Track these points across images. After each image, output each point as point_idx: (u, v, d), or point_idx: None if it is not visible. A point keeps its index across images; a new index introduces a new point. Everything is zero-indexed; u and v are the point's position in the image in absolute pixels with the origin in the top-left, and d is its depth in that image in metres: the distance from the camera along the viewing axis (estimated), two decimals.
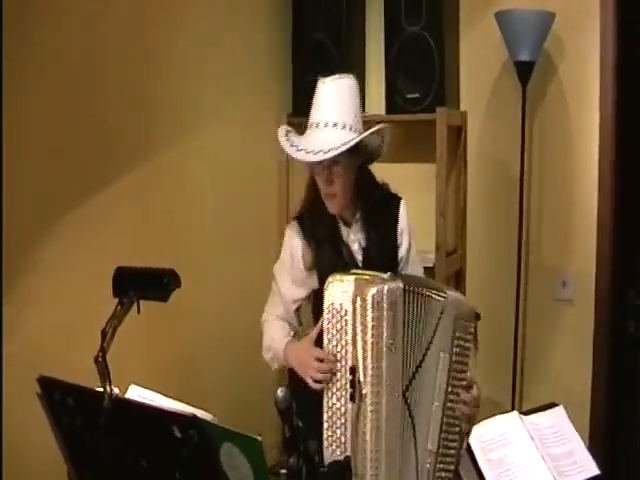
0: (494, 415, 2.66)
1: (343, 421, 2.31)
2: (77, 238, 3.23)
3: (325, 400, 2.36)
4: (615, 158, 3.63)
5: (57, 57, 3.13)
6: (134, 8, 3.46)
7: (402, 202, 2.87)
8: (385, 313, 2.25)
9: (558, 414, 2.89)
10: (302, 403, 2.05)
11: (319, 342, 2.43)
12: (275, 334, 2.83)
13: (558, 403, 2.95)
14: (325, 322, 2.36)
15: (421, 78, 3.91)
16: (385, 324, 2.25)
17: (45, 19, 3.08)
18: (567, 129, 3.80)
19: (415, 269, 2.89)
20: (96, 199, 3.30)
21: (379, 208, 2.81)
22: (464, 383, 2.38)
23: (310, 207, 2.83)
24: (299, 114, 4.32)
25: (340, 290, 2.31)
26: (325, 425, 2.34)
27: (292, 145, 2.67)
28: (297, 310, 2.91)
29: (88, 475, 2.04)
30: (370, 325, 2.24)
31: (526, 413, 2.86)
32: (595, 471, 2.76)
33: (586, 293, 3.73)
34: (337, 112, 2.65)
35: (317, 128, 2.66)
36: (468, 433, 2.45)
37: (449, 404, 2.36)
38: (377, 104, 4.19)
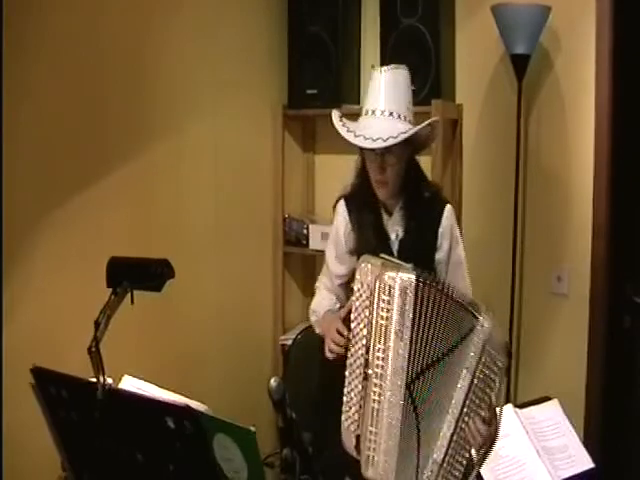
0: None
1: (358, 399, 2.38)
2: (72, 230, 3.22)
3: (346, 375, 2.42)
4: (611, 152, 3.62)
5: (56, 52, 3.13)
6: (131, 3, 3.45)
7: (448, 207, 2.89)
8: (396, 299, 2.29)
9: (553, 407, 2.89)
10: (296, 394, 2.06)
11: (349, 318, 2.47)
12: (321, 301, 2.99)
13: (553, 397, 2.95)
14: (353, 299, 2.42)
15: (417, 71, 3.85)
16: (395, 310, 2.30)
17: (44, 18, 3.07)
18: (563, 122, 3.79)
19: (456, 279, 2.87)
20: (92, 191, 3.30)
21: (422, 204, 2.86)
22: (482, 413, 2.33)
23: (358, 190, 2.90)
24: (295, 107, 4.32)
25: (368, 272, 2.37)
26: (345, 399, 2.41)
27: (349, 131, 2.72)
28: (343, 285, 2.98)
29: (82, 465, 2.04)
30: (381, 308, 2.31)
31: (521, 406, 2.86)
32: (589, 464, 2.76)
33: (581, 287, 3.72)
34: (392, 101, 2.73)
35: (373, 115, 2.73)
36: (478, 465, 2.40)
37: (462, 424, 2.33)
38: None
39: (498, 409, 2.33)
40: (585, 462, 2.76)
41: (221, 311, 4.00)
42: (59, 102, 3.14)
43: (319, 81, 4.19)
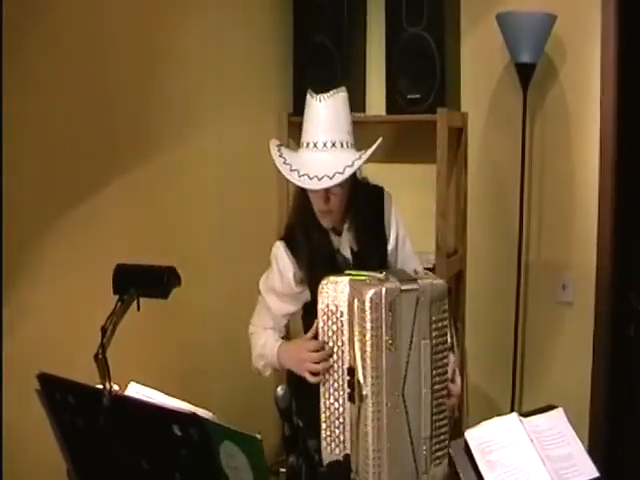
0: (493, 417, 2.64)
1: (342, 420, 2.33)
2: (78, 236, 3.22)
3: (322, 401, 2.37)
4: (616, 161, 3.63)
5: (60, 57, 3.13)
6: (136, 7, 3.46)
7: (385, 192, 2.78)
8: (384, 314, 2.24)
9: (558, 416, 2.88)
10: (302, 402, 2.06)
11: (316, 339, 2.43)
12: (266, 341, 2.79)
13: (558, 405, 2.95)
14: (320, 324, 2.37)
15: (422, 79, 3.90)
16: (384, 325, 2.24)
17: (47, 18, 3.07)
18: (568, 131, 3.79)
19: (405, 257, 2.81)
20: (97, 197, 3.29)
21: (365, 207, 2.72)
22: (446, 360, 2.35)
23: (300, 221, 2.74)
24: (300, 114, 4.32)
25: (335, 292, 2.32)
26: (323, 425, 2.36)
27: (292, 169, 2.56)
28: (286, 323, 2.87)
29: (87, 472, 2.04)
30: (369, 326, 2.24)
31: (525, 415, 2.85)
32: (594, 474, 2.75)
33: (586, 295, 3.73)
34: (334, 130, 2.56)
35: (315, 148, 2.56)
36: (456, 419, 2.46)
37: (436, 387, 2.34)
38: (378, 105, 4.19)
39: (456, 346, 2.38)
40: (590, 471, 2.75)
41: (226, 318, 4.00)
42: (63, 108, 3.14)
43: (324, 89, 4.18)
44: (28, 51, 3.00)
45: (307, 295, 2.72)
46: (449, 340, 2.38)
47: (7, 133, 2.89)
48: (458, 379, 2.52)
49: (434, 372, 2.33)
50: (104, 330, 1.98)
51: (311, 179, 2.50)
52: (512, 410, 3.51)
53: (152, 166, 3.55)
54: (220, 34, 3.92)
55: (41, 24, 3.05)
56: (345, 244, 2.72)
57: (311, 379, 2.43)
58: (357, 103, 4.27)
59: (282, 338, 2.82)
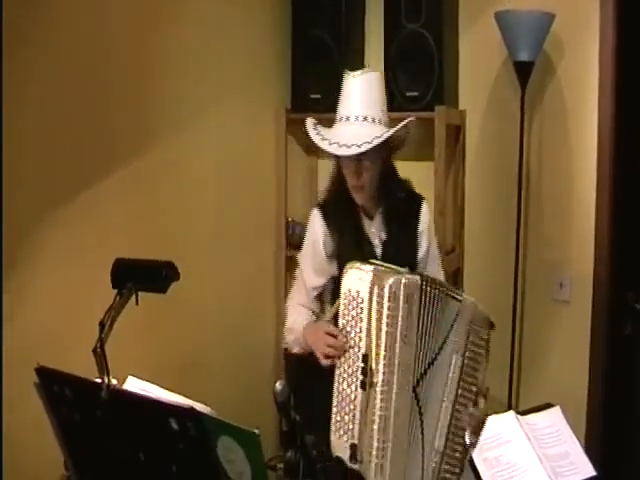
0: (491, 415, 2.65)
1: (352, 407, 2.34)
2: (76, 230, 3.22)
3: (335, 385, 2.39)
4: (614, 159, 3.63)
5: (59, 52, 3.13)
6: (136, 2, 3.46)
7: (424, 203, 2.91)
8: (401, 305, 2.28)
9: (555, 414, 2.89)
10: (301, 397, 2.05)
11: (334, 324, 2.47)
12: (297, 318, 2.88)
13: (555, 404, 2.95)
14: (341, 307, 2.40)
15: (420, 76, 3.90)
16: (400, 316, 2.29)
17: (46, 16, 3.07)
18: (566, 129, 3.79)
19: (434, 271, 2.88)
20: (95, 191, 3.30)
21: (401, 205, 2.85)
22: (474, 388, 2.38)
23: (335, 196, 2.87)
24: (297, 110, 4.33)
25: (358, 277, 2.35)
26: (334, 410, 2.38)
27: (324, 139, 2.72)
28: (318, 297, 2.93)
29: (84, 465, 2.04)
30: (385, 315, 2.28)
31: (523, 413, 2.85)
32: (591, 472, 2.76)
33: (583, 294, 3.73)
34: (366, 106, 2.71)
35: (347, 122, 2.72)
36: (473, 444, 2.44)
37: (457, 406, 2.37)
38: None
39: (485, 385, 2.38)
40: (587, 469, 2.76)
41: (224, 314, 4.01)
42: (62, 102, 3.14)
43: (322, 85, 4.19)
44: (27, 44, 3.00)
45: (335, 269, 2.79)
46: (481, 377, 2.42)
47: (7, 127, 2.89)
48: (481, 402, 2.47)
49: (459, 391, 2.36)
50: (102, 324, 1.98)
51: (340, 147, 2.65)
52: (509, 408, 3.50)
53: (150, 160, 3.56)
54: (219, 29, 3.92)
55: (40, 18, 3.04)
56: (375, 228, 2.83)
57: (323, 361, 2.48)
58: None
59: (316, 318, 2.88)
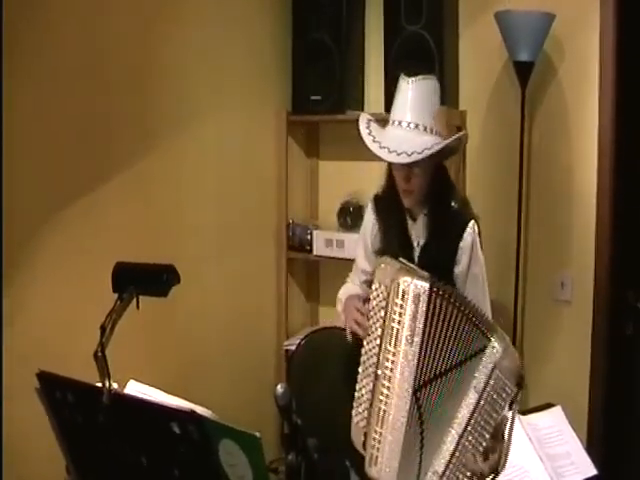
0: None
1: (369, 396, 2.41)
2: (76, 233, 3.23)
3: (360, 372, 2.45)
4: (614, 159, 3.63)
5: (58, 54, 3.13)
6: (135, 5, 3.46)
7: (472, 223, 2.86)
8: (409, 305, 2.31)
9: (556, 414, 2.89)
10: (302, 400, 2.06)
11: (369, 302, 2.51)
12: (347, 290, 3.03)
13: (556, 403, 2.95)
14: (372, 296, 2.45)
15: None
16: (407, 315, 2.31)
17: (45, 17, 3.07)
18: (566, 130, 3.79)
19: (475, 294, 2.78)
20: (96, 194, 3.30)
21: (447, 215, 2.85)
22: (486, 435, 2.32)
23: (386, 193, 2.92)
24: (298, 112, 4.33)
25: (385, 273, 2.40)
26: (356, 395, 2.45)
27: (375, 141, 2.73)
28: (368, 283, 2.87)
29: (86, 469, 2.04)
30: (395, 311, 2.33)
31: (524, 413, 2.85)
32: (593, 471, 2.76)
33: (584, 294, 3.72)
34: (419, 113, 2.73)
35: (399, 126, 2.74)
36: None
37: (465, 442, 2.33)
38: (376, 102, 4.19)
39: (506, 439, 2.32)
40: (588, 469, 2.76)
41: (225, 316, 4.01)
42: (61, 104, 3.15)
43: (323, 87, 4.20)
44: (27, 45, 3.00)
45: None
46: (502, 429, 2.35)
47: (7, 130, 2.89)
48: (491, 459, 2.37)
49: (470, 428, 2.31)
50: (103, 328, 1.98)
51: (390, 152, 2.68)
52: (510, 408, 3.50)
53: (150, 162, 3.56)
54: (219, 31, 3.92)
55: (39, 18, 3.05)
56: (416, 231, 2.86)
57: (348, 335, 2.65)
58: (355, 101, 4.27)
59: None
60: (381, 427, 2.35)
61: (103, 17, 3.31)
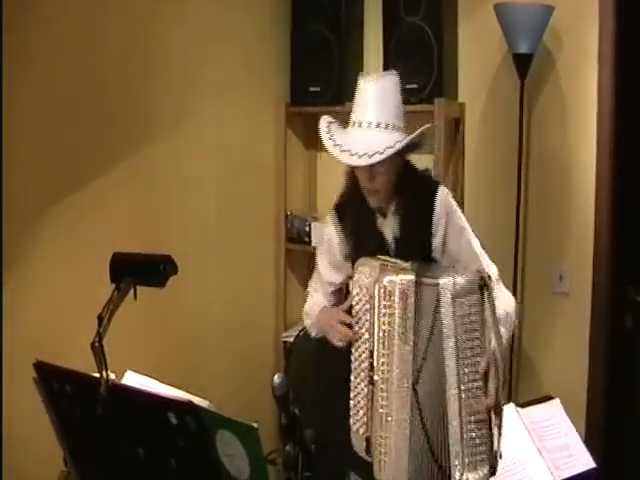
0: None
1: (366, 402, 2.39)
2: (74, 225, 3.23)
3: (352, 379, 2.44)
4: (613, 152, 3.62)
5: (58, 49, 3.13)
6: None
7: (440, 188, 2.75)
8: (396, 303, 2.30)
9: (554, 407, 2.89)
10: (300, 391, 2.06)
11: (350, 312, 2.49)
12: (314, 302, 2.92)
13: (554, 396, 2.95)
14: (354, 302, 2.43)
15: (419, 69, 3.89)
16: (397, 313, 2.30)
17: (44, 13, 3.07)
18: (565, 122, 3.78)
19: (464, 257, 2.74)
20: (94, 186, 3.30)
21: (415, 198, 2.73)
22: (479, 367, 2.30)
23: (349, 197, 2.81)
24: (297, 104, 4.32)
25: (367, 274, 2.39)
26: (351, 402, 2.44)
27: (335, 144, 2.62)
28: (335, 293, 2.92)
29: (84, 460, 2.04)
30: (383, 313, 2.32)
31: (522, 406, 2.85)
32: (591, 464, 2.76)
33: (583, 287, 3.72)
34: (380, 112, 2.62)
35: (360, 127, 2.62)
36: (499, 426, 2.34)
37: (467, 388, 2.30)
38: None
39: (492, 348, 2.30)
40: (586, 462, 2.76)
41: (223, 308, 4.01)
42: (60, 100, 3.15)
43: (322, 78, 4.19)
44: (26, 42, 2.99)
45: (351, 268, 2.71)
46: (485, 343, 2.33)
47: (6, 126, 2.89)
48: (491, 387, 2.33)
49: (464, 370, 2.29)
50: (101, 319, 1.98)
51: (352, 155, 2.57)
52: (509, 401, 3.50)
53: (149, 155, 3.56)
54: (218, 23, 3.92)
55: (38, 15, 3.04)
56: (388, 227, 2.74)
57: (338, 343, 2.55)
58: (354, 92, 4.25)
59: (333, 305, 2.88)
60: (385, 431, 2.33)
61: (102, 14, 3.32)
